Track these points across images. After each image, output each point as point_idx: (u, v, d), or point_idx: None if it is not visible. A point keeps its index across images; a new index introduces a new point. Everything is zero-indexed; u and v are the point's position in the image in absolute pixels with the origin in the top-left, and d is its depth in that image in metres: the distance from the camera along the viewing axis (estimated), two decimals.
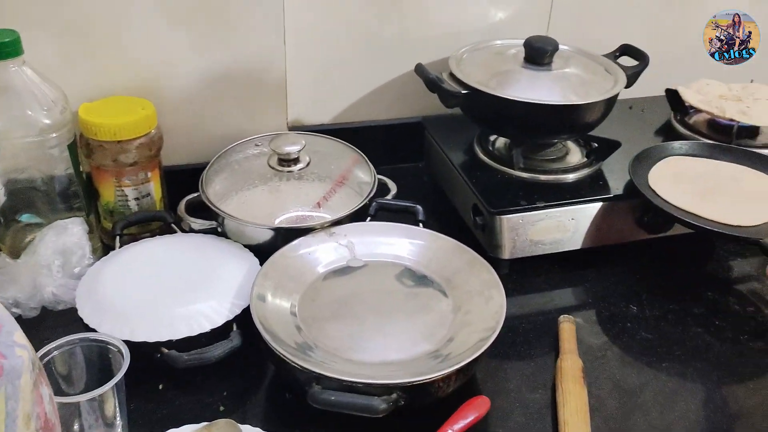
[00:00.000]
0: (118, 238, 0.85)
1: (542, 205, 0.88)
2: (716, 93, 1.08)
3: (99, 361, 0.67)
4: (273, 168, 0.91)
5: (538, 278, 0.91)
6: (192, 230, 0.88)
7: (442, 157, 1.00)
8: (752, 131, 1.05)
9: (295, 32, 0.98)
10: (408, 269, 0.82)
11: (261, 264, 0.79)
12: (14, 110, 0.79)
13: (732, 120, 1.03)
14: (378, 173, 0.94)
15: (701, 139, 1.04)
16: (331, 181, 0.93)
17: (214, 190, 0.90)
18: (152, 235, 0.89)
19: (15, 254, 0.83)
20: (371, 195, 0.89)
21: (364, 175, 0.94)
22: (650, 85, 1.08)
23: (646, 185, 0.90)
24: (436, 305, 0.77)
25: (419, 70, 0.94)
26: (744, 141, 1.04)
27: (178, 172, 0.96)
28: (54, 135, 0.81)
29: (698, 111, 1.13)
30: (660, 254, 0.94)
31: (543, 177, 0.93)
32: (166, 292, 0.75)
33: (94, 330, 0.70)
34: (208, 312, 0.73)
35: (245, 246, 0.84)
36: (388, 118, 1.11)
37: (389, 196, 0.94)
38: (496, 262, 0.86)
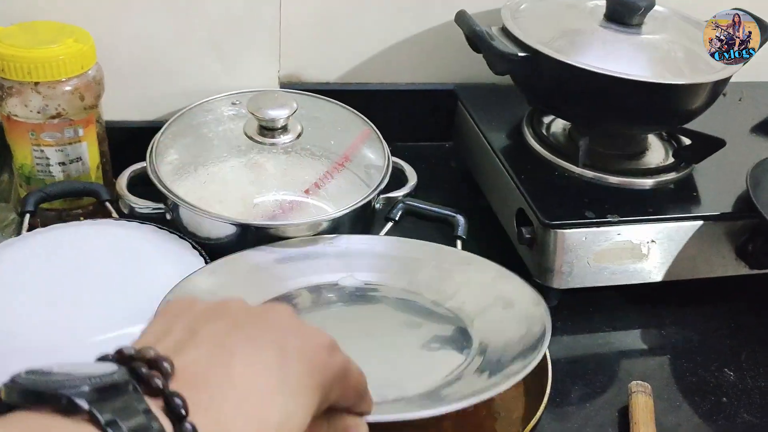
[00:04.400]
0: (27, 216, 0.61)
1: (615, 219, 0.63)
2: None
3: None
4: (251, 138, 0.67)
5: (597, 317, 0.67)
6: (133, 214, 0.64)
7: (480, 139, 0.75)
8: None
9: None
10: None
11: None
12: None
13: None
14: (393, 154, 0.71)
15: None
16: (328, 161, 0.69)
17: (170, 160, 0.66)
18: (83, 215, 0.66)
19: None
20: (380, 187, 0.65)
21: (375, 157, 0.70)
22: (751, 68, 0.83)
23: None
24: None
25: (461, 19, 0.68)
26: None
27: (127, 132, 0.72)
28: None
29: None
30: (762, 295, 0.70)
31: (613, 179, 0.69)
32: (76, 309, 0.52)
33: None
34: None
35: (201, 243, 0.61)
36: (412, 81, 0.86)
37: (406, 188, 0.70)
38: (543, 289, 0.63)
